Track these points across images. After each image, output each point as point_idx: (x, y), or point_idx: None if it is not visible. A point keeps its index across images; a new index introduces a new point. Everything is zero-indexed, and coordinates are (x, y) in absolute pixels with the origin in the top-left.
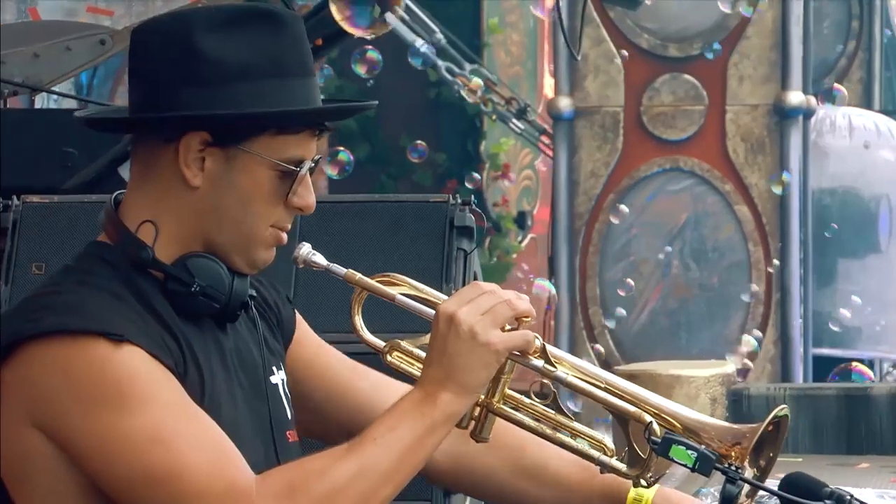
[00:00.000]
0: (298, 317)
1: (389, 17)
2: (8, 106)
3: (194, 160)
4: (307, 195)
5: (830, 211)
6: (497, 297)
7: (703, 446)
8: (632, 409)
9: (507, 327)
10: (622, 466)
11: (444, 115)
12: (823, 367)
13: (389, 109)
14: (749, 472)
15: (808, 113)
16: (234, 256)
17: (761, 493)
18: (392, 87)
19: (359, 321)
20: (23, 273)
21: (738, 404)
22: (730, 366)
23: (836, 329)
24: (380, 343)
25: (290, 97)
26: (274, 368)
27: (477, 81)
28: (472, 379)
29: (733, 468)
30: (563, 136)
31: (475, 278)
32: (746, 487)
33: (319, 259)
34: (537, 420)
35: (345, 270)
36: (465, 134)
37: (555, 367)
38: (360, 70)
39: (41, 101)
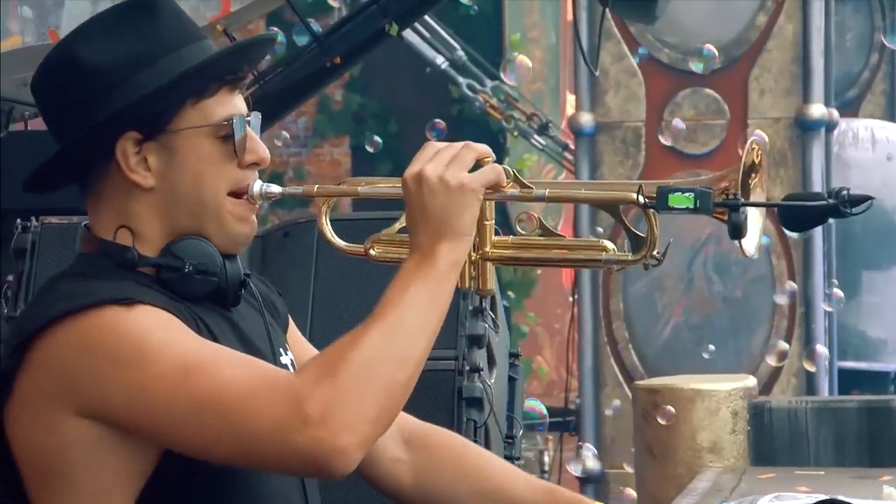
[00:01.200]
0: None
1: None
2: (30, 127)
3: (138, 163)
4: (257, 148)
5: (854, 223)
6: (454, 147)
7: (697, 186)
8: (617, 193)
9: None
10: (628, 255)
11: (466, 132)
12: (849, 381)
13: (411, 127)
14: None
15: (830, 126)
16: (213, 237)
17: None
18: (414, 105)
19: (329, 231)
20: None
21: (760, 418)
22: (751, 379)
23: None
24: (359, 247)
25: (186, 63)
26: (282, 350)
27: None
28: (459, 224)
29: (731, 196)
30: (585, 151)
31: (493, 292)
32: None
33: (274, 189)
34: (532, 249)
35: (301, 188)
36: None
37: (531, 188)
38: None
39: None
